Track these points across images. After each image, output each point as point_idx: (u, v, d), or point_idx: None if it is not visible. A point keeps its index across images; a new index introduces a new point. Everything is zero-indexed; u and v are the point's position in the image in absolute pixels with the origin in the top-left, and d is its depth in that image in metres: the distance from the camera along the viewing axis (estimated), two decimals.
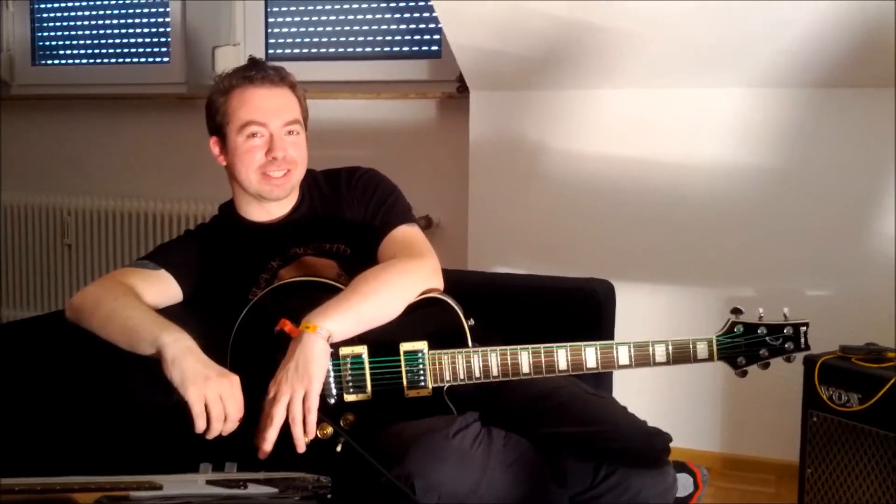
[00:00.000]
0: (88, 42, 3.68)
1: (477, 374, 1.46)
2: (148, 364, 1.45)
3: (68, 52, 3.73)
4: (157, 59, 3.55)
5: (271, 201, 1.68)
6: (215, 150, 1.70)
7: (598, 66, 2.53)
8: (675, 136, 2.54)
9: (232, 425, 1.39)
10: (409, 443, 1.34)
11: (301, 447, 1.38)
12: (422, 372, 1.46)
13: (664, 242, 2.58)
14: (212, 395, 1.37)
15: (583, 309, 1.85)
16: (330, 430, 1.42)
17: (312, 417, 1.38)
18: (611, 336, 1.85)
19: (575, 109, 2.63)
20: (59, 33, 3.73)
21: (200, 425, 1.37)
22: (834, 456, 1.97)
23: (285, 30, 3.34)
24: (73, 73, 3.69)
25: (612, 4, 2.33)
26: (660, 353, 1.46)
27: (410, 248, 1.60)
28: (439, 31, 3.00)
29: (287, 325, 1.43)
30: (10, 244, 3.64)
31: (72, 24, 3.70)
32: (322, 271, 1.62)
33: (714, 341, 1.46)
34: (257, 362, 1.46)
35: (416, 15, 3.13)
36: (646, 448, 1.44)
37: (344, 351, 1.46)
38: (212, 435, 1.38)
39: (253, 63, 1.66)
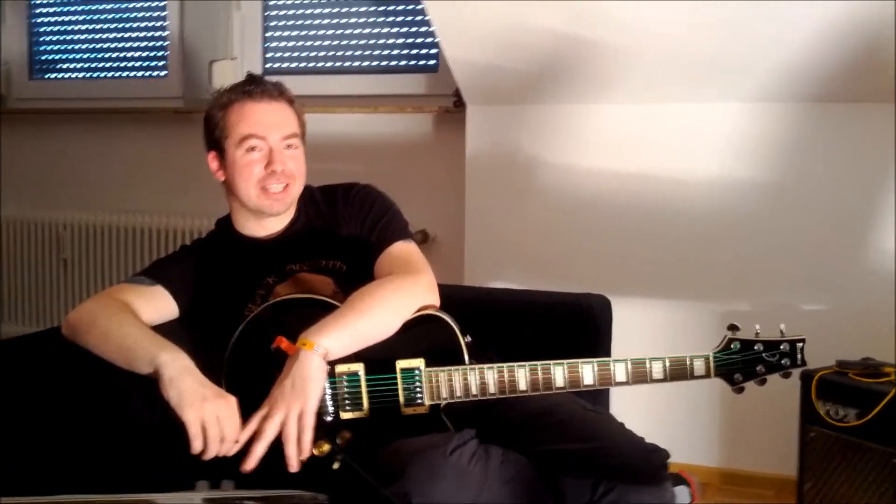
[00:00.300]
0: (86, 56, 3.69)
1: (474, 392, 1.46)
2: (144, 382, 1.45)
3: (66, 66, 3.74)
4: (155, 74, 3.57)
5: (270, 216, 1.68)
6: (213, 165, 1.70)
7: (594, 81, 2.54)
8: (672, 150, 2.55)
9: (228, 447, 1.38)
10: (407, 460, 1.33)
11: (294, 466, 1.37)
12: (418, 389, 1.46)
13: (661, 257, 2.58)
14: (209, 416, 1.37)
15: (579, 324, 1.85)
16: (327, 447, 1.42)
17: (307, 436, 1.38)
18: (607, 351, 1.85)
19: (571, 124, 2.64)
20: (56, 47, 3.75)
21: (197, 446, 1.36)
22: (832, 471, 1.98)
23: (282, 44, 3.35)
24: (70, 87, 3.70)
25: (608, 20, 2.35)
26: (657, 369, 1.46)
27: (407, 265, 1.60)
28: (436, 45, 3.02)
29: (283, 343, 1.43)
30: (6, 259, 3.64)
31: (69, 38, 3.72)
32: (318, 288, 1.62)
33: (711, 358, 1.46)
34: (253, 379, 1.46)
35: (413, 30, 3.15)
36: (644, 464, 1.43)
37: (340, 368, 1.46)
38: (208, 456, 1.37)
39: (252, 78, 1.67)
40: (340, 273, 1.65)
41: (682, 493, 1.94)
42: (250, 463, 1.36)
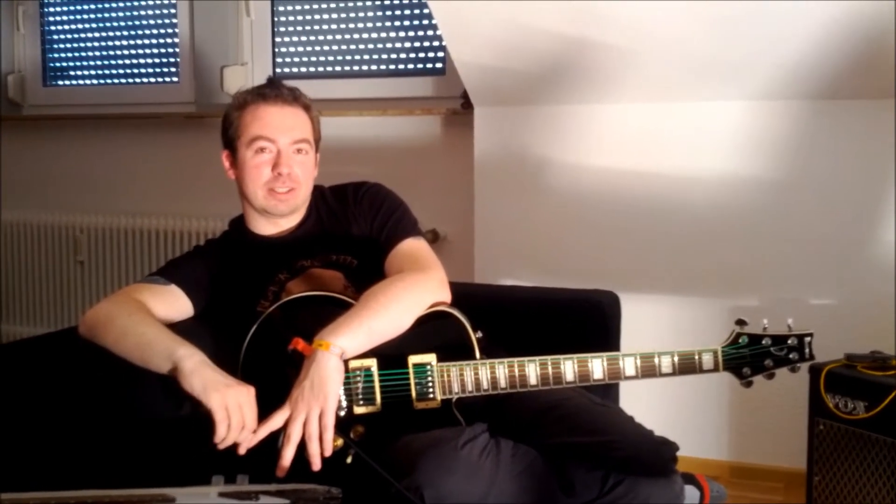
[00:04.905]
0: (98, 63, 3.73)
1: (485, 386, 1.48)
2: (159, 379, 1.47)
3: (79, 73, 3.78)
4: (167, 79, 3.60)
5: (277, 216, 1.71)
6: (226, 163, 1.73)
7: (599, 81, 2.55)
8: (677, 148, 2.56)
9: (247, 435, 1.41)
10: (419, 454, 1.35)
11: (317, 465, 1.39)
12: (430, 384, 1.48)
13: (668, 254, 2.59)
14: (232, 402, 1.40)
15: (588, 320, 1.86)
16: (340, 442, 1.44)
17: (328, 435, 1.40)
18: (617, 347, 1.86)
19: (578, 124, 2.65)
20: (69, 55, 3.78)
21: (222, 431, 1.39)
22: (841, 463, 1.98)
23: (292, 49, 3.38)
24: (83, 94, 3.73)
25: (613, 21, 2.36)
26: (666, 364, 1.47)
27: (417, 261, 1.62)
28: (443, 48, 3.04)
29: (300, 344, 1.45)
30: (24, 262, 3.68)
31: (82, 45, 3.75)
32: (329, 283, 1.64)
33: (719, 352, 1.48)
34: (268, 377, 1.48)
35: (421, 33, 3.17)
36: (653, 457, 1.44)
37: (353, 364, 1.48)
38: (229, 442, 1.40)
39: (270, 82, 1.70)
40: (351, 268, 1.67)
41: (691, 493, 1.94)
42: (284, 464, 1.38)
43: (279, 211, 1.69)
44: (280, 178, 1.65)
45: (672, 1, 2.25)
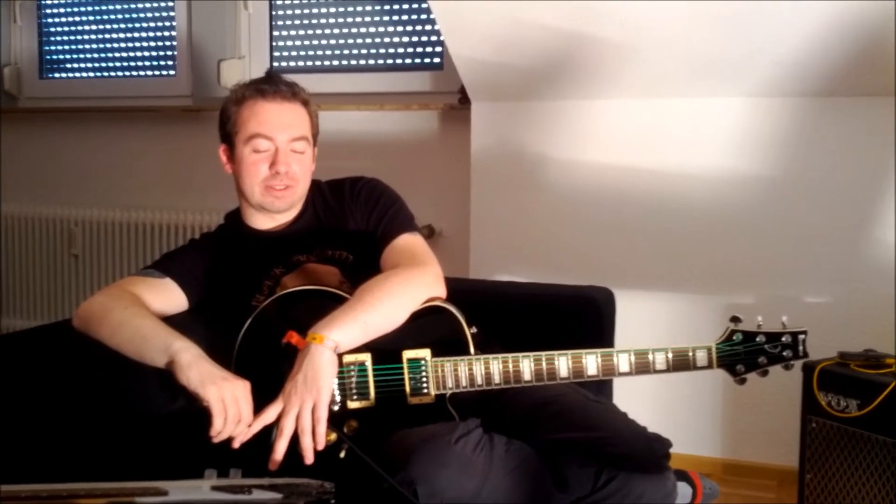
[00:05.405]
0: (95, 56, 3.72)
1: (479, 382, 1.48)
2: (153, 373, 1.47)
3: (75, 65, 3.77)
4: (163, 73, 3.60)
5: (273, 212, 1.71)
6: (223, 157, 1.73)
7: (597, 77, 2.55)
8: (675, 145, 2.56)
9: (242, 429, 1.41)
10: (412, 449, 1.35)
11: (309, 458, 1.39)
12: (424, 379, 1.48)
13: (664, 250, 2.59)
14: (229, 396, 1.40)
15: (583, 316, 1.87)
16: (334, 436, 1.44)
17: (321, 428, 1.40)
18: (611, 343, 1.87)
19: (575, 119, 2.65)
20: (66, 47, 3.78)
21: (219, 424, 1.39)
22: (833, 461, 1.99)
23: (290, 43, 3.37)
24: (80, 87, 3.73)
25: (611, 16, 2.36)
26: (660, 360, 1.47)
27: (413, 257, 1.62)
28: (441, 43, 3.04)
29: (294, 338, 1.45)
30: (18, 255, 3.68)
31: (79, 38, 3.75)
32: (324, 278, 1.64)
33: (713, 349, 1.48)
34: (262, 370, 1.48)
35: (419, 28, 3.17)
36: (646, 453, 1.45)
37: (348, 358, 1.48)
38: (225, 436, 1.40)
39: (268, 77, 1.69)
40: (346, 263, 1.67)
41: (684, 490, 1.95)
42: (277, 457, 1.39)
43: (276, 207, 1.69)
44: (278, 176, 1.65)
45: None
